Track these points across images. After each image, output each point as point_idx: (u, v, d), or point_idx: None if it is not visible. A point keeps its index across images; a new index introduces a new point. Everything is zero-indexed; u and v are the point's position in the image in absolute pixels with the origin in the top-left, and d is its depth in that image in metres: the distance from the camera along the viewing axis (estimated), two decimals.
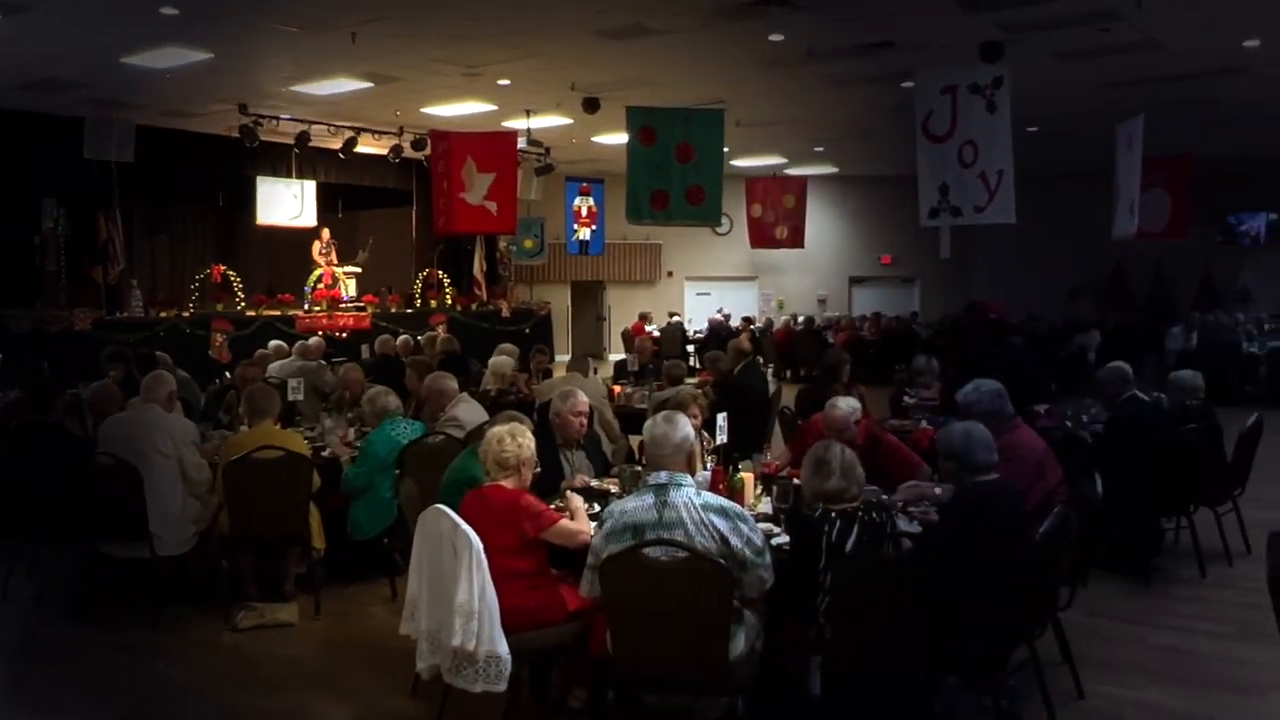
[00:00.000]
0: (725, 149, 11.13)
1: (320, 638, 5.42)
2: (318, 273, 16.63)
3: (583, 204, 16.64)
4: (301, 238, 17.05)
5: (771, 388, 9.41)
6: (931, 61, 10.40)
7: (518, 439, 4.14)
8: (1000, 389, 5.12)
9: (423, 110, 13.79)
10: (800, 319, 19.38)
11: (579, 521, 4.17)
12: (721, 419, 5.29)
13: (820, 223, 21.08)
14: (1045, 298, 20.06)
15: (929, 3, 9.08)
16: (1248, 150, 17.29)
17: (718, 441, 5.21)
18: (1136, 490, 5.76)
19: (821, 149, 18.12)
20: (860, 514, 3.70)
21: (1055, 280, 20.91)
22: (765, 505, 4.68)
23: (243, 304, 15.54)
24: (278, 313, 15.63)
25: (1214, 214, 19.20)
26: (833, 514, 3.67)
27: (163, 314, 14.47)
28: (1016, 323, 16.56)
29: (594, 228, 16.76)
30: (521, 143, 14.09)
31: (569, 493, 4.63)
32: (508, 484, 4.09)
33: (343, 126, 14.61)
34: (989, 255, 21.62)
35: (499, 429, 4.20)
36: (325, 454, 6.34)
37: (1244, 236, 20.40)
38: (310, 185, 16.40)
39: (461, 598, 3.68)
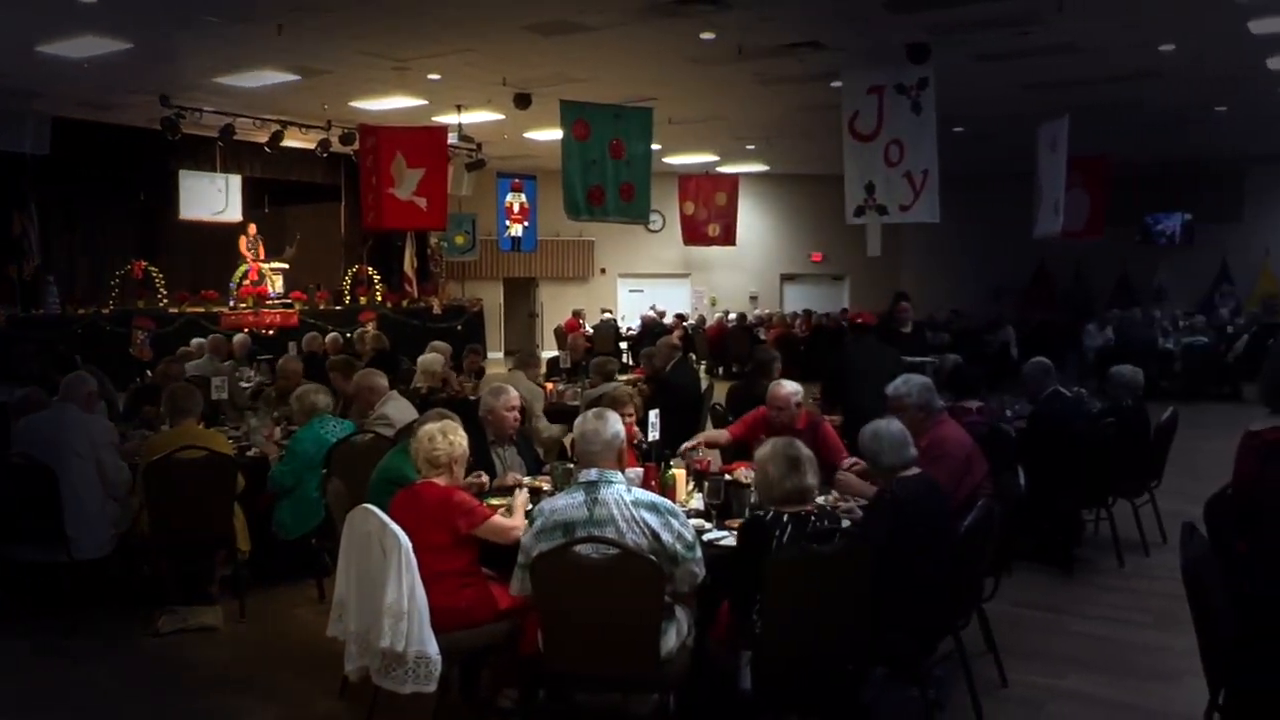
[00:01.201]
0: (658, 146, 11.17)
1: (246, 641, 5.31)
2: (244, 268, 16.33)
3: (515, 200, 16.55)
4: (226, 233, 16.72)
5: (704, 384, 9.45)
6: (860, 62, 10.54)
7: (449, 436, 4.11)
8: (929, 383, 5.17)
9: (351, 104, 13.58)
10: (732, 316, 19.53)
11: (515, 517, 4.15)
12: (653, 416, 5.29)
13: (752, 220, 21.28)
14: (973, 296, 20.48)
15: (857, 4, 9.20)
16: (1164, 152, 17.82)
17: (650, 438, 5.21)
18: (1058, 483, 5.91)
19: (753, 147, 18.25)
20: (813, 518, 3.70)
21: (982, 278, 21.37)
22: (697, 501, 4.69)
23: (165, 301, 15.20)
24: (201, 310, 15.33)
25: (1132, 214, 19.75)
26: (784, 517, 3.65)
27: (81, 311, 14.11)
28: (942, 320, 16.85)
29: (526, 224, 16.68)
30: (452, 138, 13.96)
31: (518, 488, 4.59)
32: (439, 481, 4.05)
33: (269, 120, 14.33)
34: (918, 253, 22.02)
35: (430, 426, 4.16)
36: (251, 453, 6.22)
37: (1160, 236, 21.03)
38: (235, 179, 16.09)
39: (390, 598, 3.63)
